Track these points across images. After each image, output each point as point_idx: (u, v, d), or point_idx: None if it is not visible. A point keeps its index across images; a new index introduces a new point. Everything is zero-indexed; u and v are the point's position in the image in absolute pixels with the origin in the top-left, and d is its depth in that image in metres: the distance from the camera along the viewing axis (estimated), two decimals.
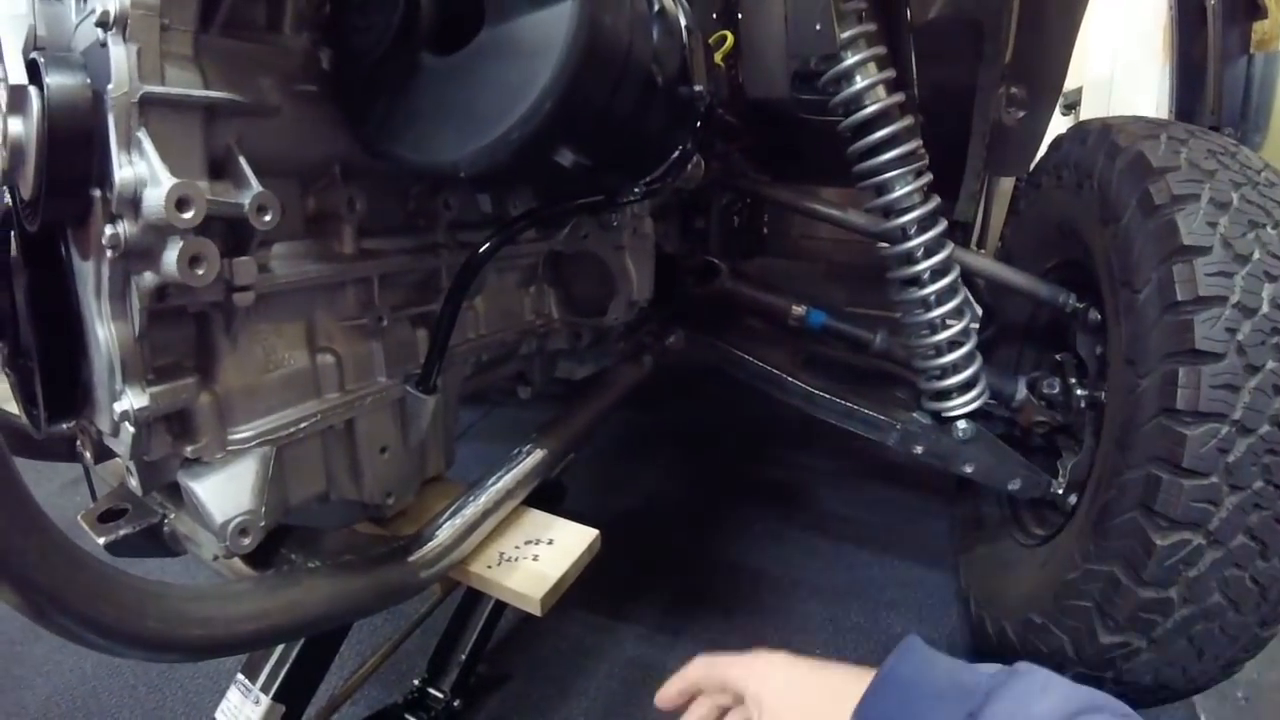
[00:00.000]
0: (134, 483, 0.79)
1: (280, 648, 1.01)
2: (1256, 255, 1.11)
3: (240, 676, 1.02)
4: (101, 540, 0.90)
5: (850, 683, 0.65)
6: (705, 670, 0.81)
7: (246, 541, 0.78)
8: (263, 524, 0.79)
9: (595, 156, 0.82)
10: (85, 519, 0.93)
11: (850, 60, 1.22)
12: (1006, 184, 2.47)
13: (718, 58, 1.05)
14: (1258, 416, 1.06)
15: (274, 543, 0.89)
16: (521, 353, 1.27)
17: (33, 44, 0.74)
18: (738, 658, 0.78)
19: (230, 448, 0.79)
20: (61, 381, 0.77)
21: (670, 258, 1.58)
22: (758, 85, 1.32)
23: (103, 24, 0.62)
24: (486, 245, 0.90)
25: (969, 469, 1.45)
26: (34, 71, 0.65)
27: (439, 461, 1.10)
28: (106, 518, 0.92)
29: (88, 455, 0.91)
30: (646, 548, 2.05)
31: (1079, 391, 1.50)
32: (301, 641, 1.01)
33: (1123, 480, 1.16)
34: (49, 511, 0.79)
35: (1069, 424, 1.53)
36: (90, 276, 0.70)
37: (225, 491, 0.78)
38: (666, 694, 0.82)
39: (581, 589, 1.82)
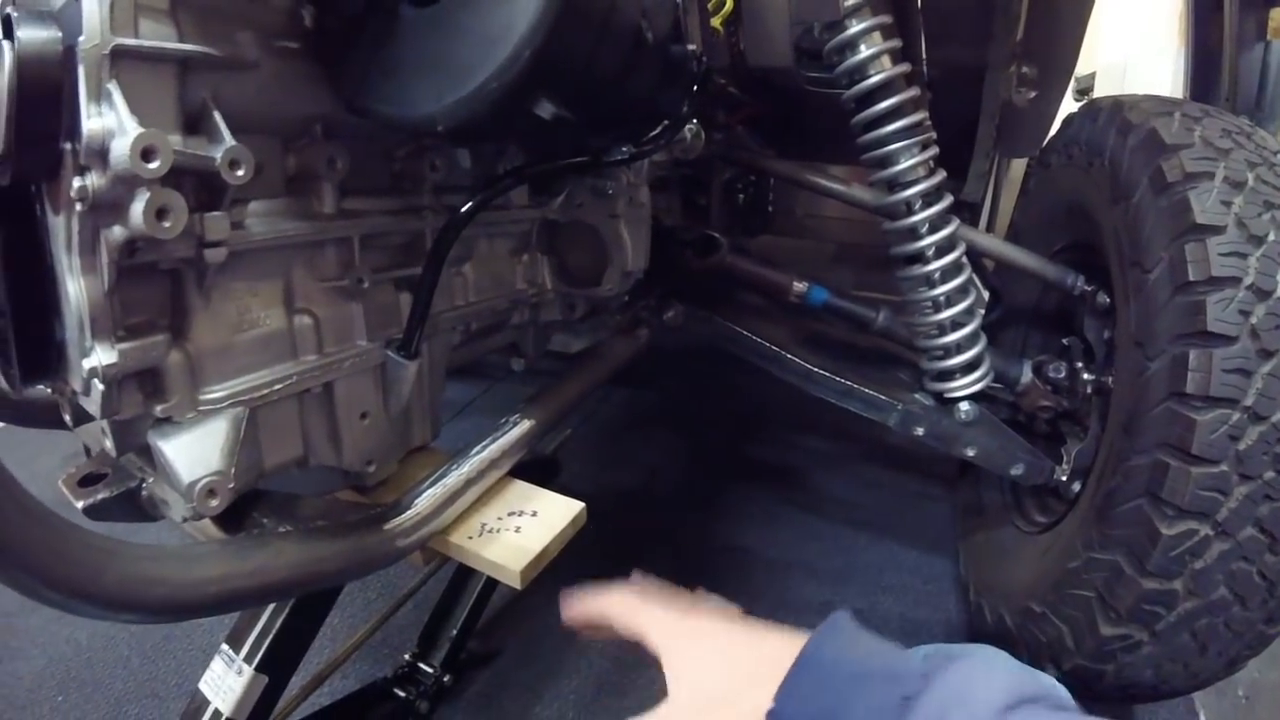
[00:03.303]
0: (109, 444, 0.77)
1: (264, 619, 1.00)
2: (1272, 236, 1.08)
3: (224, 646, 1.01)
4: (80, 504, 0.89)
5: (773, 662, 0.59)
6: (625, 614, 0.73)
7: (214, 503, 0.76)
8: (232, 485, 0.77)
9: (579, 112, 0.80)
10: (65, 483, 0.92)
11: (855, 28, 1.19)
12: (1018, 168, 2.44)
13: (716, 22, 1.03)
14: (1271, 403, 1.03)
15: (247, 506, 0.87)
16: (514, 323, 1.24)
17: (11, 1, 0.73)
18: (663, 613, 0.71)
19: (201, 408, 0.77)
20: (36, 340, 0.75)
21: (670, 231, 1.55)
22: (759, 53, 1.29)
23: None
24: (468, 205, 0.88)
25: (970, 452, 1.43)
26: (7, 26, 0.63)
27: (425, 431, 1.08)
28: (86, 482, 0.91)
29: (66, 418, 0.90)
30: (642, 526, 2.05)
31: (1085, 376, 1.47)
32: (285, 612, 1.00)
33: (1128, 467, 1.13)
34: (49, 484, 0.77)
35: (1074, 409, 1.50)
36: (60, 231, 0.68)
37: (194, 451, 0.75)
38: (572, 614, 0.76)
39: (575, 567, 1.81)
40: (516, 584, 0.90)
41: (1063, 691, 0.53)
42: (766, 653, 0.60)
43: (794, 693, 0.56)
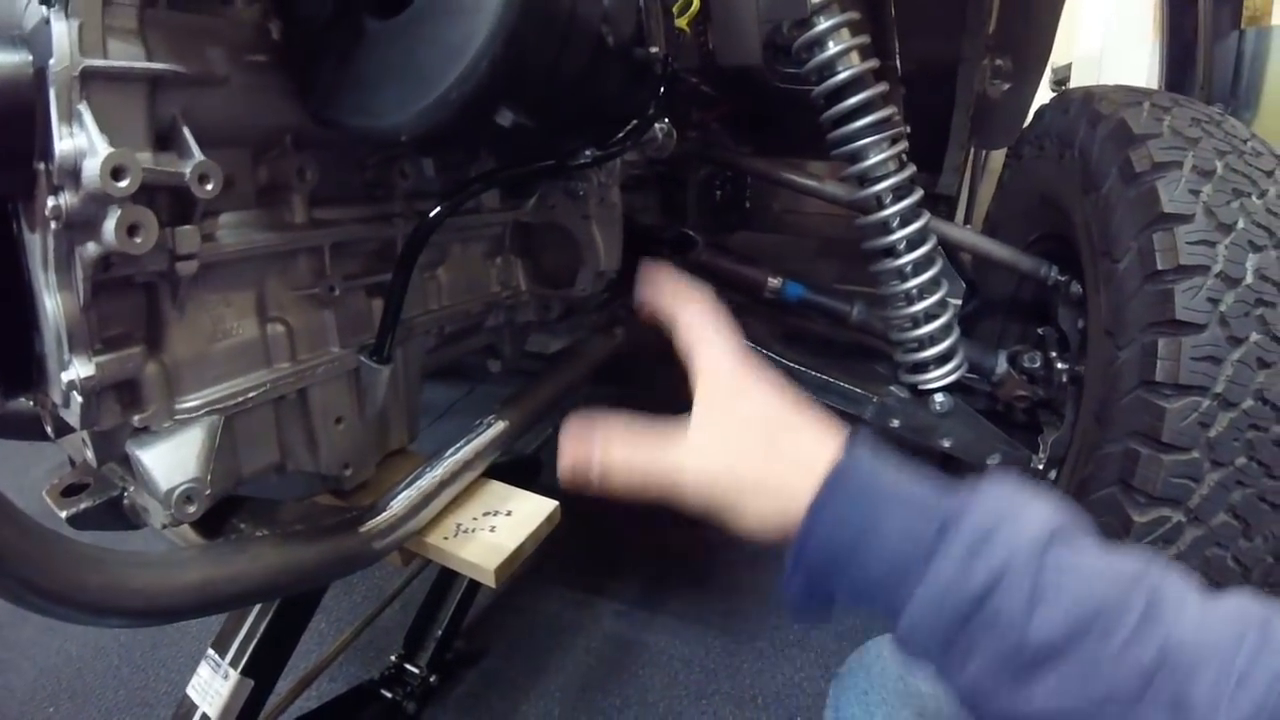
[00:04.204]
0: (89, 454, 0.78)
1: (249, 623, 1.01)
2: (1240, 224, 1.09)
3: (211, 652, 1.02)
4: (63, 514, 0.89)
5: (805, 468, 0.55)
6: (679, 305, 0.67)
7: (191, 509, 0.76)
8: (209, 492, 0.78)
9: (542, 118, 0.81)
10: (49, 494, 0.93)
11: (822, 25, 1.19)
12: (997, 160, 2.45)
13: (683, 22, 1.03)
14: (1241, 390, 1.04)
15: (227, 512, 0.89)
16: (489, 325, 1.25)
17: None
18: (708, 321, 0.65)
19: (178, 417, 0.78)
20: (16, 354, 0.76)
21: (646, 229, 1.56)
22: (729, 52, 1.30)
23: (45, 1, 0.62)
24: (436, 212, 0.88)
25: (947, 443, 1.43)
26: None
27: (401, 434, 1.08)
28: (69, 492, 0.92)
29: (48, 429, 0.91)
30: (626, 523, 2.05)
31: (1060, 366, 1.48)
32: (270, 616, 1.01)
33: (1101, 455, 1.14)
34: (33, 494, 0.78)
35: (1050, 399, 1.51)
36: (37, 248, 0.69)
37: (171, 459, 0.76)
38: (649, 294, 0.69)
39: (559, 565, 1.84)
40: (491, 582, 0.91)
41: (1088, 521, 0.52)
42: (803, 441, 0.58)
43: (825, 511, 0.53)
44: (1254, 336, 1.05)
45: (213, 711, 0.99)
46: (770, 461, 0.57)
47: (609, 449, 0.61)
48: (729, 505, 0.58)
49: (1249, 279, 1.06)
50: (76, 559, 0.64)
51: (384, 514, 0.91)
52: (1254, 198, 1.12)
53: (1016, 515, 0.50)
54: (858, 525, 0.52)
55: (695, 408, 0.61)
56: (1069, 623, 0.46)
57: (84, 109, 0.63)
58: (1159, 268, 1.09)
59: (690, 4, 1.03)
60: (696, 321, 0.65)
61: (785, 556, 0.56)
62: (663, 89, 0.97)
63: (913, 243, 1.32)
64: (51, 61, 0.62)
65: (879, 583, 0.52)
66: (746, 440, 0.59)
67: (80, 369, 0.69)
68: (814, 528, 0.53)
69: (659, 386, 2.79)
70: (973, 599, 0.47)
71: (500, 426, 1.08)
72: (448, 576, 1.52)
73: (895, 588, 0.51)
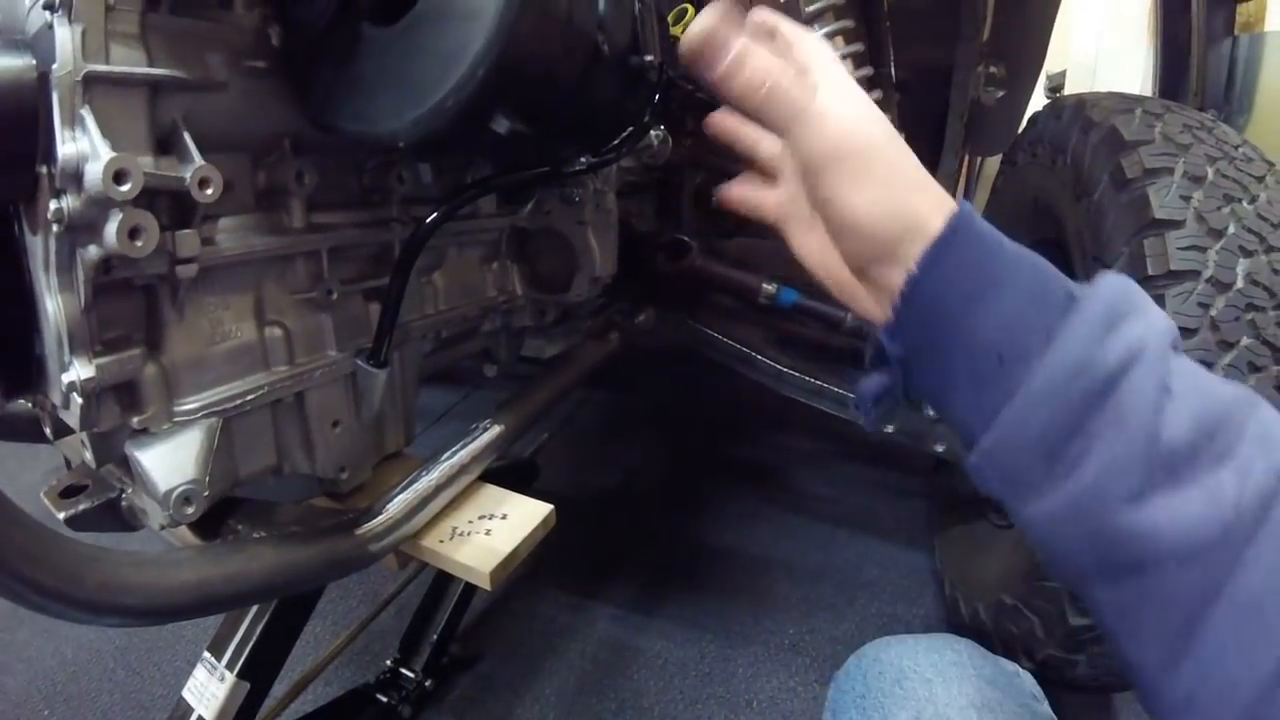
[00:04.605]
0: (88, 455, 0.78)
1: (245, 625, 1.01)
2: (1231, 230, 1.10)
3: (207, 654, 1.02)
4: (61, 515, 0.90)
5: (933, 191, 0.50)
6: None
7: (190, 510, 0.77)
8: (207, 493, 0.78)
9: (538, 125, 0.81)
10: (47, 495, 0.93)
11: (817, 33, 1.20)
12: (992, 166, 2.46)
13: (678, 31, 1.03)
14: None
15: (224, 514, 0.89)
16: (485, 330, 1.26)
17: None
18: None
19: (177, 418, 0.78)
20: (16, 355, 0.76)
21: (641, 235, 1.57)
22: None
23: (49, 6, 0.63)
24: (432, 217, 0.89)
25: (940, 447, 1.44)
26: None
27: (398, 437, 1.09)
28: (67, 493, 0.92)
29: (47, 431, 0.92)
30: (622, 528, 2.06)
31: None
32: (266, 618, 1.01)
33: None
34: (28, 499, 0.79)
35: None
36: (39, 251, 0.70)
37: (170, 461, 0.77)
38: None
39: (556, 569, 1.85)
40: (486, 585, 0.91)
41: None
42: (926, 178, 0.51)
43: (948, 250, 0.48)
44: (1245, 341, 1.05)
45: (208, 714, 0.99)
46: (905, 156, 0.51)
47: (756, 43, 0.54)
48: (854, 166, 0.50)
49: (1240, 284, 1.07)
50: (74, 556, 0.64)
51: (380, 517, 0.92)
52: (1245, 203, 1.13)
53: (1147, 307, 0.46)
54: (982, 276, 0.47)
55: (824, 86, 0.52)
56: (1198, 428, 0.42)
57: (86, 113, 0.64)
58: (1150, 273, 1.10)
59: (685, 13, 1.04)
60: (816, 49, 0.55)
61: (883, 302, 0.51)
62: (658, 96, 0.97)
63: None
64: (54, 66, 0.63)
65: (987, 352, 0.46)
66: (886, 128, 0.52)
67: (81, 370, 0.70)
68: (933, 265, 0.48)
69: (653, 393, 2.80)
70: (1105, 380, 0.43)
71: (496, 430, 1.09)
72: (443, 581, 1.53)
73: (1012, 359, 0.45)
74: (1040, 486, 0.45)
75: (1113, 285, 0.46)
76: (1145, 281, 1.10)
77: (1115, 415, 0.42)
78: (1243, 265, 1.08)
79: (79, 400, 0.71)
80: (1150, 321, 0.45)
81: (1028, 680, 0.83)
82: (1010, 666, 0.83)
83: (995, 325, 0.46)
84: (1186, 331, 1.06)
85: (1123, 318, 0.44)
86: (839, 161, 0.51)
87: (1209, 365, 1.05)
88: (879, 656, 0.84)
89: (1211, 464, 0.41)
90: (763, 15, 0.58)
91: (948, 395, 0.50)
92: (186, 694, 1.02)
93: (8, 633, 1.73)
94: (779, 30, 0.57)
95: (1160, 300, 1.08)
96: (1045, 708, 0.79)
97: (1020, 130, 1.78)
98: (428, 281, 1.10)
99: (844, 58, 1.22)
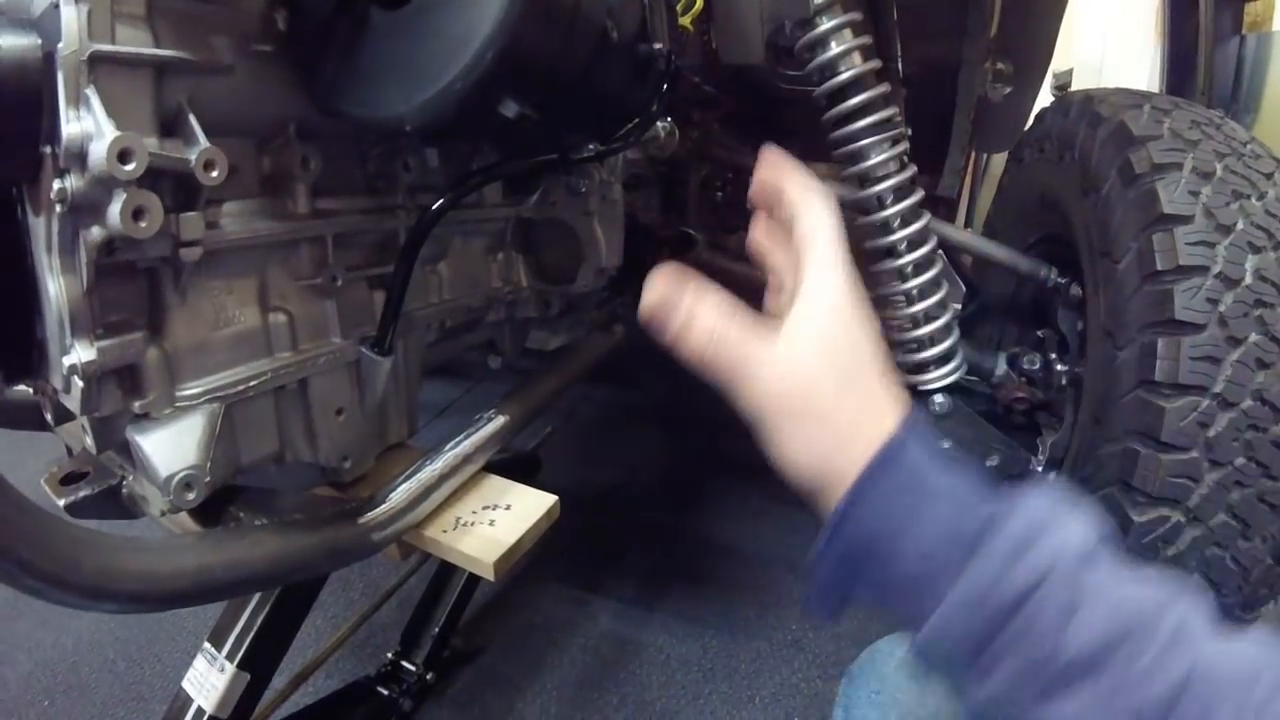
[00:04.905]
0: (89, 441, 0.78)
1: (246, 616, 1.01)
2: (1240, 225, 1.10)
3: (207, 645, 1.02)
4: (62, 502, 0.90)
5: (873, 420, 0.53)
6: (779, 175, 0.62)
7: (191, 496, 0.76)
8: (208, 479, 0.77)
9: (545, 111, 0.81)
10: (47, 482, 0.93)
11: (825, 25, 1.20)
12: (998, 163, 2.45)
13: (686, 21, 1.03)
14: (1240, 390, 1.04)
15: (225, 502, 0.88)
16: (490, 320, 1.25)
17: None
18: (830, 229, 0.59)
19: (178, 404, 0.78)
20: (17, 339, 0.76)
21: (647, 228, 1.56)
22: (732, 51, 1.30)
23: None
24: (438, 204, 0.89)
25: (945, 444, 1.43)
26: None
27: (401, 427, 1.08)
28: (68, 480, 0.92)
29: (48, 417, 0.91)
30: (625, 522, 2.06)
31: (1060, 368, 1.48)
32: (267, 609, 1.01)
33: (1100, 455, 1.14)
34: (28, 487, 0.79)
35: (1050, 400, 1.51)
36: (41, 232, 0.69)
37: (171, 446, 0.76)
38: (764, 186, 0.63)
39: (558, 563, 1.84)
40: (490, 576, 0.91)
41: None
42: (877, 392, 0.55)
43: (873, 490, 0.51)
44: (1253, 337, 1.05)
45: (208, 705, 0.99)
46: (845, 397, 0.54)
47: (700, 305, 0.58)
48: (788, 419, 0.55)
49: (1248, 280, 1.07)
50: (72, 540, 0.64)
51: (383, 506, 0.91)
52: (1253, 199, 1.12)
53: (1061, 525, 0.49)
54: (900, 513, 0.51)
55: (794, 310, 0.56)
56: (1103, 638, 0.45)
57: (91, 93, 0.64)
58: (1158, 268, 1.10)
59: (694, 2, 1.04)
60: (818, 225, 0.59)
61: (818, 531, 0.54)
62: (665, 85, 0.97)
63: (913, 243, 1.32)
64: (60, 45, 0.62)
65: (910, 577, 0.50)
66: (834, 365, 0.55)
67: (82, 353, 0.69)
68: (857, 505, 0.51)
69: (656, 388, 2.80)
70: (1011, 602, 0.46)
71: (500, 421, 1.09)
72: (445, 573, 1.52)
73: (929, 583, 0.49)
74: (967, 685, 0.49)
75: (1030, 509, 0.50)
76: (1153, 276, 1.09)
77: (1022, 630, 0.46)
78: (1251, 261, 1.08)
79: (80, 384, 0.70)
80: (1065, 539, 0.48)
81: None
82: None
83: (916, 555, 0.50)
84: (1194, 327, 1.06)
85: (1031, 545, 0.47)
86: (774, 416, 0.55)
87: (1217, 361, 1.05)
88: (893, 653, 0.83)
89: (1120, 668, 0.45)
90: (771, 173, 0.63)
91: (885, 603, 0.53)
92: (186, 684, 1.02)
93: (7, 623, 1.73)
94: (784, 196, 0.61)
95: (1168, 295, 1.07)
96: None
97: (1027, 127, 1.77)
98: (432, 270, 1.09)
99: (853, 50, 1.21)
